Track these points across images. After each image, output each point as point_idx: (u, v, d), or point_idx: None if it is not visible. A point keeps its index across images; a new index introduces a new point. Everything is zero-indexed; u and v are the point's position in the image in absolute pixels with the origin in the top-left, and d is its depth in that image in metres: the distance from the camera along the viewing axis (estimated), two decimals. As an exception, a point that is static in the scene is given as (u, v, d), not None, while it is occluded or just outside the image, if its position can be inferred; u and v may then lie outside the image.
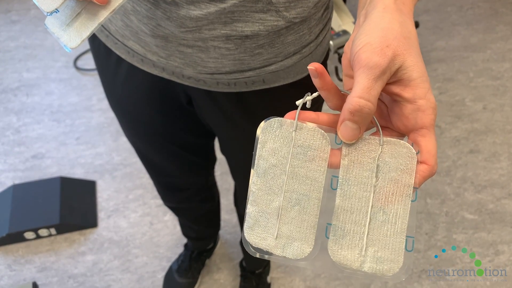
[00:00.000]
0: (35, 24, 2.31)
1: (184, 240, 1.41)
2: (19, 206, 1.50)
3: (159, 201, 1.53)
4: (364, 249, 0.36)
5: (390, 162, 0.37)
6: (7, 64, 2.10)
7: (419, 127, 0.36)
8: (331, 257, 0.37)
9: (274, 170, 0.38)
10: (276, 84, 0.65)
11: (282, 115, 0.38)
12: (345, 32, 1.62)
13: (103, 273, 1.41)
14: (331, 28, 1.34)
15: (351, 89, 0.35)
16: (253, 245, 0.38)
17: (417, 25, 1.85)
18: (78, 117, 1.86)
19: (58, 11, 0.40)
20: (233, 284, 1.39)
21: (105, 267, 1.43)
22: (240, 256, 1.43)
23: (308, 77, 0.59)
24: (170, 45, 0.58)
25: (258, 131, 0.38)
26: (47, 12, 0.39)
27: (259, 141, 0.38)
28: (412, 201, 0.36)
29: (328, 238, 0.37)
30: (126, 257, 1.45)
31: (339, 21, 1.67)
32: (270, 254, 0.38)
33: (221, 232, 1.47)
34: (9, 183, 1.62)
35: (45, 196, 1.53)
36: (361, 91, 0.34)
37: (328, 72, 0.37)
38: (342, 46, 1.58)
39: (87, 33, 0.40)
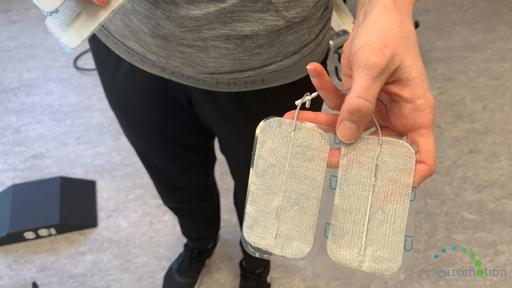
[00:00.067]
0: (35, 24, 2.31)
1: (184, 240, 1.41)
2: (19, 206, 1.51)
3: (159, 201, 1.53)
4: (363, 249, 0.36)
5: (389, 161, 0.37)
6: (7, 64, 2.10)
7: (417, 126, 0.36)
8: (330, 256, 0.37)
9: (273, 170, 0.38)
10: (276, 84, 0.65)
11: (281, 115, 0.38)
12: (345, 32, 1.62)
13: (103, 273, 1.41)
14: (331, 28, 1.34)
15: (350, 88, 0.35)
16: (252, 245, 0.38)
17: (417, 25, 1.85)
18: (78, 117, 1.86)
19: (58, 11, 0.40)
20: (233, 284, 1.39)
21: (105, 267, 1.43)
22: (240, 256, 1.43)
23: (307, 77, 0.59)
24: (169, 44, 0.58)
25: (257, 130, 0.38)
26: (47, 12, 0.40)
27: (258, 140, 0.38)
28: (411, 200, 0.36)
29: (327, 237, 0.37)
30: (126, 257, 1.45)
31: (339, 21, 1.67)
32: (269, 253, 0.38)
33: (221, 232, 1.47)
34: (9, 183, 1.62)
35: (45, 196, 1.53)
36: (360, 91, 0.34)
37: (328, 72, 0.37)
38: (342, 46, 1.58)
39: (87, 33, 0.40)
